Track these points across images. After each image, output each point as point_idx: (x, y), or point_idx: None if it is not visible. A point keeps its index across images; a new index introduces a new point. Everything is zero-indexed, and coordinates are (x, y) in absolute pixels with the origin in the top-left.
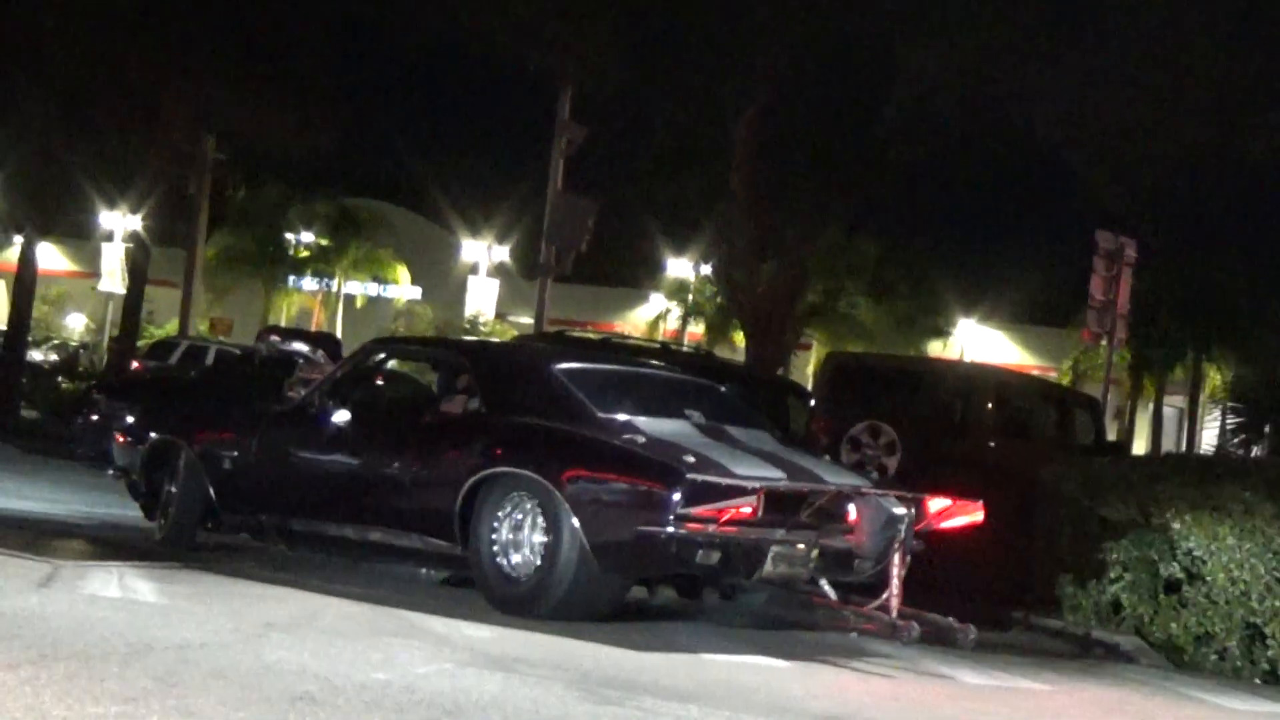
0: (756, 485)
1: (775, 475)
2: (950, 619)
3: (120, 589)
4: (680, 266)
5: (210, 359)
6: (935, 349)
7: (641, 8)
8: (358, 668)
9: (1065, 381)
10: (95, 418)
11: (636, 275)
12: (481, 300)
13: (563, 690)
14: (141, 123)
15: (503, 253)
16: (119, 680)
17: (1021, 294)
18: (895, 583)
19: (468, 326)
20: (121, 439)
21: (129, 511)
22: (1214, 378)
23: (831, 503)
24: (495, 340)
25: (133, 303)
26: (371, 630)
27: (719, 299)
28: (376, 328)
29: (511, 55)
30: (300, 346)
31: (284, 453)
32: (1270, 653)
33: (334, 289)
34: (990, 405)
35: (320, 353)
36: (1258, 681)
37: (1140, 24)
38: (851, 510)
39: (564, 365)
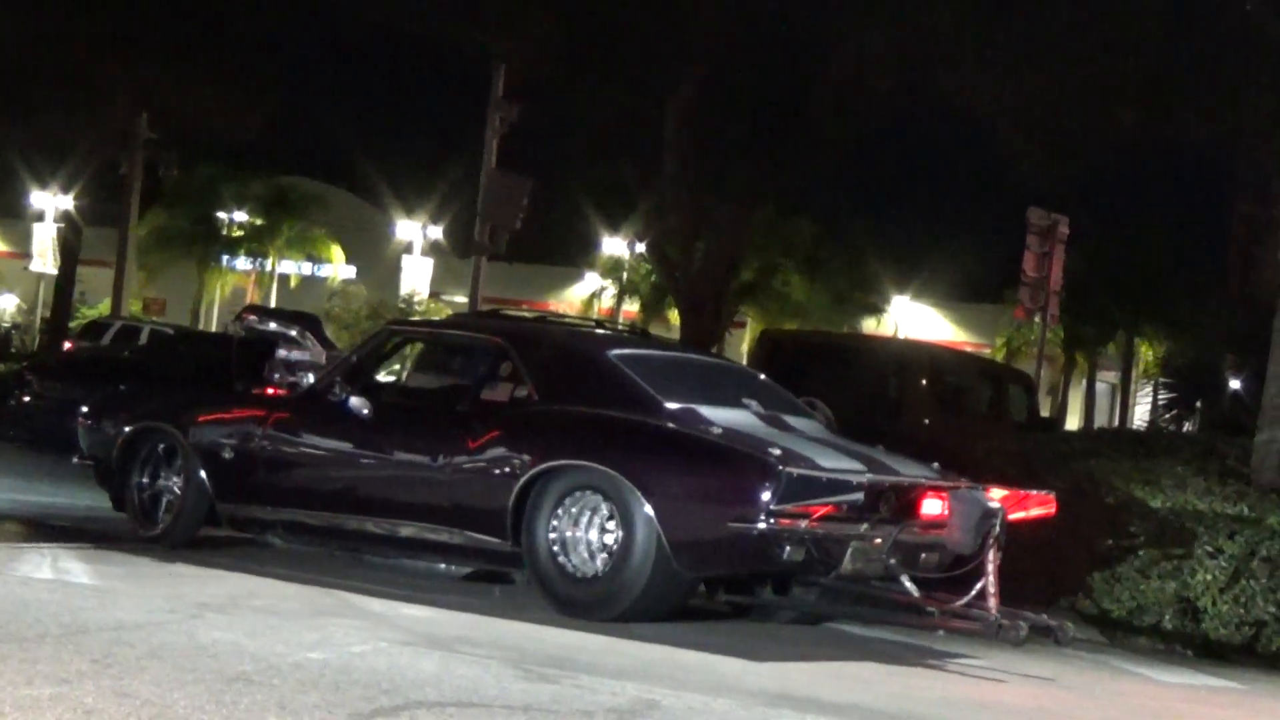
0: (861, 480)
1: (857, 467)
2: (1043, 615)
3: (53, 571)
4: (615, 245)
5: (143, 339)
6: (869, 326)
7: None
8: (294, 647)
9: (999, 358)
10: (27, 399)
11: (571, 254)
12: (416, 279)
13: (500, 669)
14: (74, 102)
15: (437, 232)
16: (53, 662)
17: (955, 271)
18: (992, 579)
19: (402, 306)
20: (91, 424)
21: (59, 499)
22: (1146, 354)
23: (910, 495)
24: (536, 322)
25: (65, 283)
26: (308, 610)
27: (654, 277)
28: (310, 307)
29: (445, 33)
30: (281, 327)
31: (297, 442)
32: (1203, 626)
33: (268, 268)
34: (924, 382)
35: (308, 334)
36: (1190, 654)
37: (1073, 2)
38: (929, 503)
39: (621, 350)
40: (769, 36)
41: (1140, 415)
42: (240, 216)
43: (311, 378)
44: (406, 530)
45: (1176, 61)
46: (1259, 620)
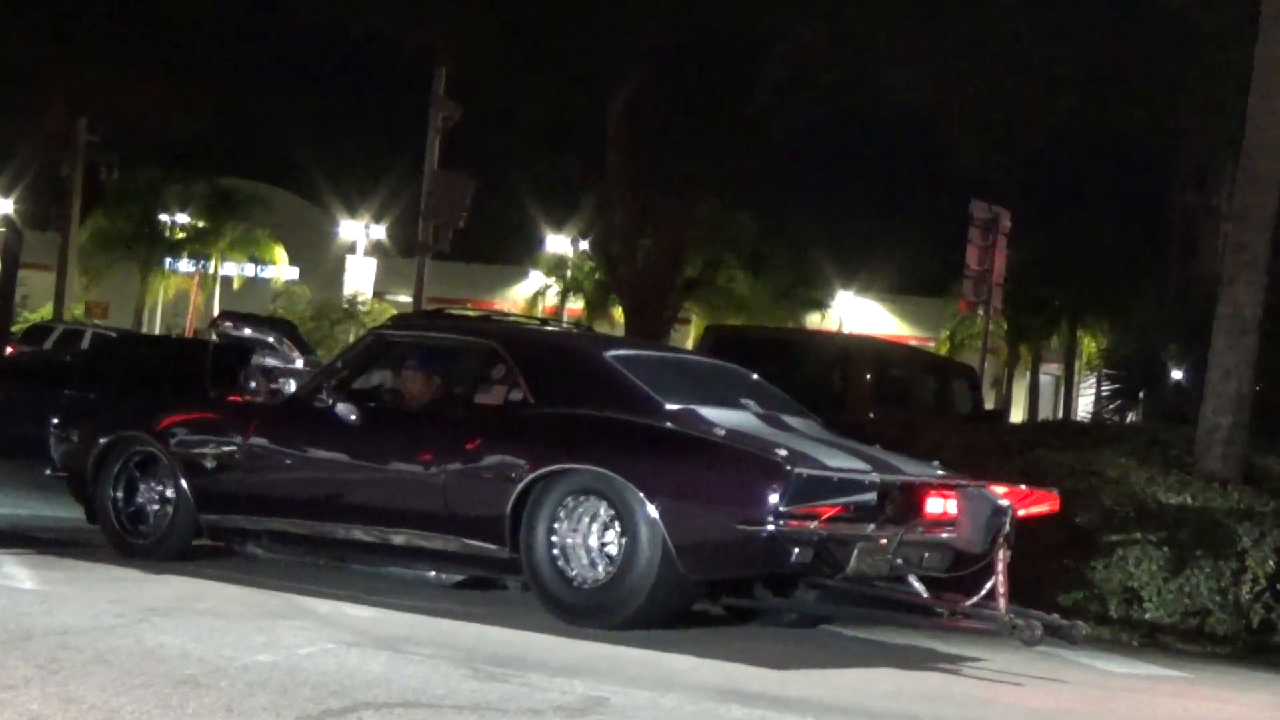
0: (873, 479)
1: (864, 467)
2: (1054, 615)
3: None
4: (559, 243)
5: (86, 343)
6: (814, 321)
7: None
8: (241, 650)
9: (943, 351)
10: None
11: (515, 252)
12: (360, 279)
13: (448, 668)
14: (12, 105)
15: (380, 231)
16: None
17: (898, 265)
18: (1002, 578)
19: (346, 306)
20: (64, 435)
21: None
22: (1089, 346)
23: (916, 494)
24: (526, 324)
25: (5, 287)
26: (255, 612)
27: (598, 275)
28: (253, 309)
29: (386, 33)
30: (257, 334)
31: (282, 450)
32: (1148, 615)
33: (210, 270)
34: (869, 376)
35: (285, 340)
36: (1135, 644)
37: None
38: (934, 502)
39: (616, 351)
40: (710, 32)
41: (1084, 406)
42: (182, 218)
43: (292, 384)
44: (398, 538)
45: (1114, 53)
46: (1204, 609)
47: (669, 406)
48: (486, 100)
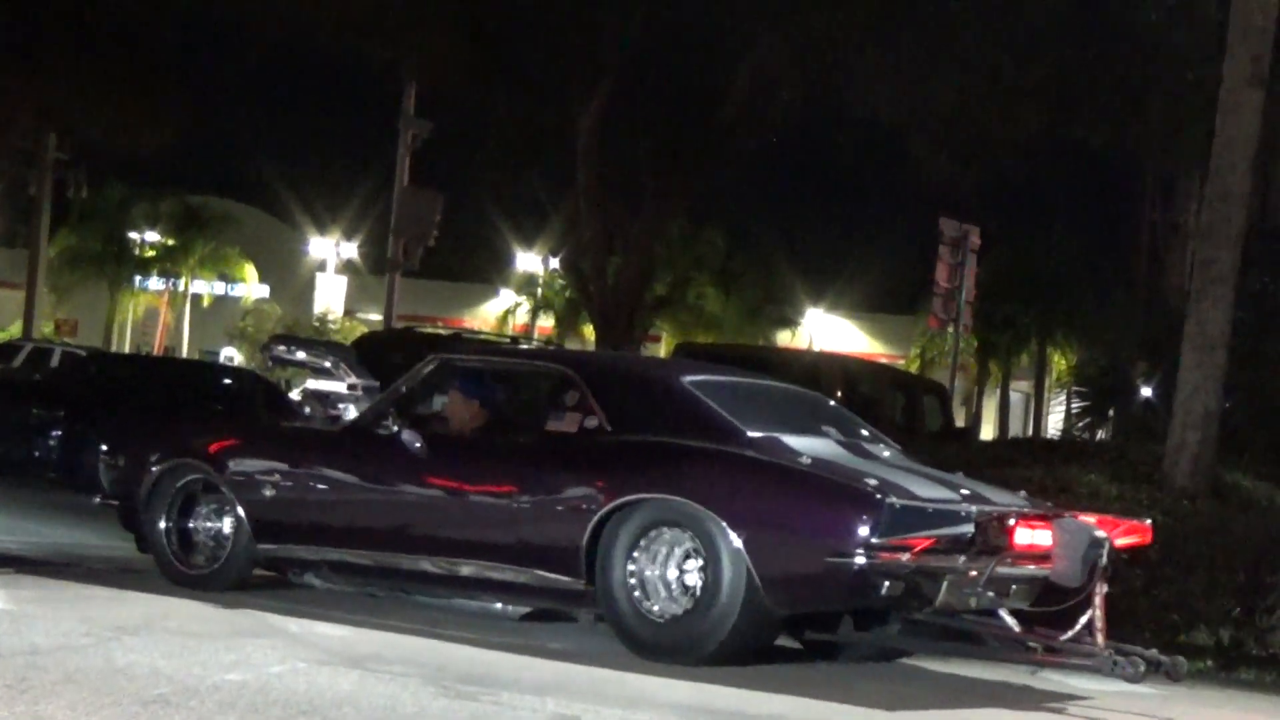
0: (970, 511)
1: (954, 497)
2: (1153, 650)
3: None
4: (529, 260)
5: (56, 361)
6: (783, 338)
7: (483, 2)
8: (211, 669)
9: (913, 368)
10: None
11: (485, 270)
12: (330, 297)
13: (418, 686)
14: None
15: (350, 249)
16: None
17: (868, 282)
18: (1100, 612)
19: (316, 324)
20: (114, 461)
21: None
22: (1059, 363)
23: (1005, 525)
24: (597, 350)
25: None
26: (225, 630)
27: (568, 292)
28: (224, 327)
29: (355, 51)
30: (313, 358)
31: (344, 478)
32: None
33: (180, 288)
34: (839, 393)
35: (342, 364)
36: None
37: (978, 10)
38: (1023, 533)
39: (694, 377)
40: (678, 49)
41: (1054, 423)
42: (152, 236)
43: (352, 410)
44: (466, 569)
45: (1082, 70)
46: (1174, 624)
47: (751, 434)
48: (456, 117)
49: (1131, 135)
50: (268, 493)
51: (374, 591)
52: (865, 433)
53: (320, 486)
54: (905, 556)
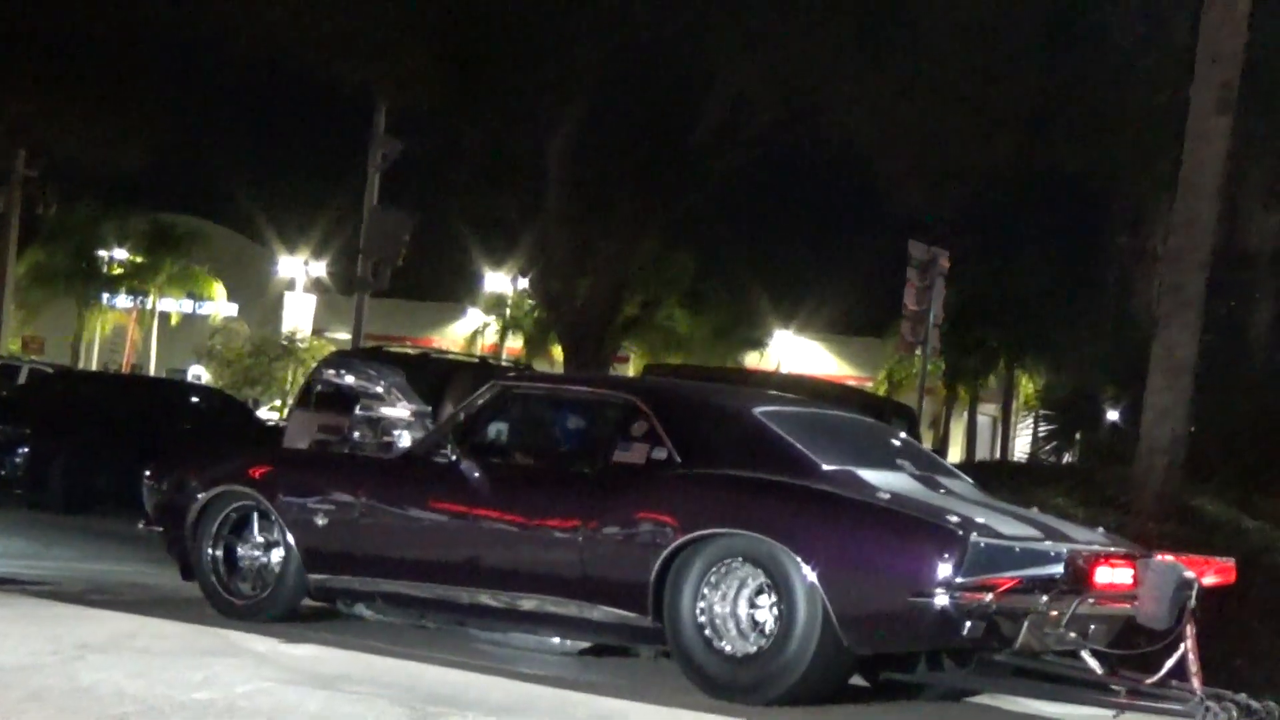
0: (1059, 550)
1: (1037, 535)
2: (1242, 694)
3: None
4: (498, 280)
5: (23, 378)
6: (752, 360)
7: (454, 22)
8: (177, 688)
9: (881, 391)
10: None
11: (454, 290)
12: (298, 316)
13: (386, 706)
14: None
15: (319, 268)
16: None
17: (837, 304)
18: (1193, 655)
19: (285, 343)
20: (159, 487)
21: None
22: (1026, 386)
23: (1089, 564)
24: (665, 379)
25: None
26: (191, 649)
27: (537, 313)
28: (192, 345)
29: (325, 69)
30: (363, 383)
31: (400, 508)
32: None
33: (148, 306)
34: None
35: (394, 389)
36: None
37: (949, 36)
38: (1104, 572)
39: (765, 408)
40: (650, 72)
41: (1021, 447)
42: (120, 254)
43: (406, 437)
44: (528, 604)
45: (1051, 94)
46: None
47: (826, 467)
48: (426, 138)
49: (1100, 161)
50: (320, 521)
51: (427, 624)
52: (939, 466)
53: (375, 516)
54: (988, 596)
